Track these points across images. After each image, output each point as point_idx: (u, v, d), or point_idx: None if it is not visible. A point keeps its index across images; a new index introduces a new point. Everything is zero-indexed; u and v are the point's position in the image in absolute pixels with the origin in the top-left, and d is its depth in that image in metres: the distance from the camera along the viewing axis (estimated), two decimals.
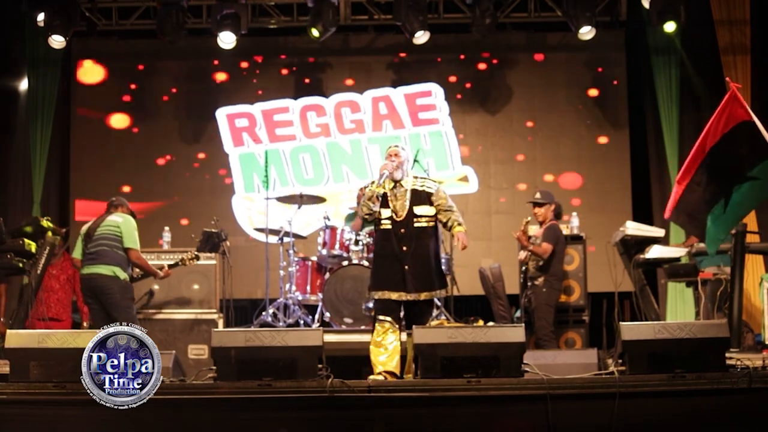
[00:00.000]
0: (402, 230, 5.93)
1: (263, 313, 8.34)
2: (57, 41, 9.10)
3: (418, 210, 5.98)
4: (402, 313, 5.94)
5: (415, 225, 5.95)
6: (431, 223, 6.03)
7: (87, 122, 10.35)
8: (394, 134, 10.18)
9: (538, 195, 7.97)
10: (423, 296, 5.90)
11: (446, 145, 10.26)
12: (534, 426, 4.95)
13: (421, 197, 6.02)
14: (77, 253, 6.83)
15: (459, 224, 6.01)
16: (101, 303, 6.63)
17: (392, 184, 6.04)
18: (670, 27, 8.95)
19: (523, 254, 7.91)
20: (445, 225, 6.09)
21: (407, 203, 5.97)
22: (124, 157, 10.25)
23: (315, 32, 9.17)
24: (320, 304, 8.17)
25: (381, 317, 5.87)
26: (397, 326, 5.86)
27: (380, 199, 5.95)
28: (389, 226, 5.96)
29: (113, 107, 10.37)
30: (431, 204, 6.01)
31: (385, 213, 5.97)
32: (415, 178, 6.13)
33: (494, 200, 10.25)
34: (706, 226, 6.14)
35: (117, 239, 6.72)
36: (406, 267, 5.88)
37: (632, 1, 9.79)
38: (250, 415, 5.00)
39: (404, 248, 5.91)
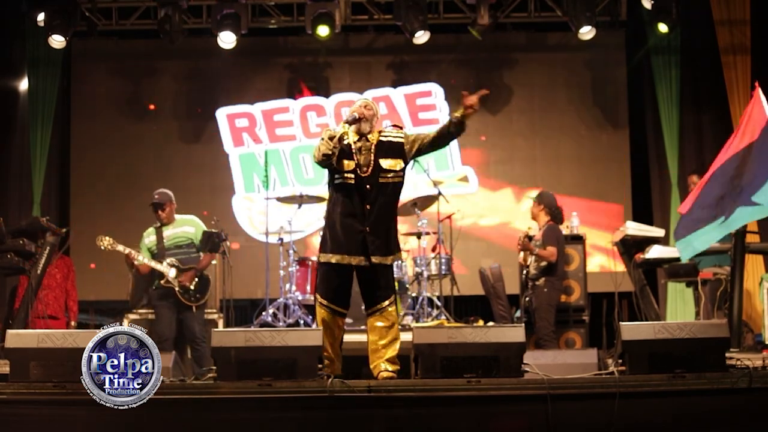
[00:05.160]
0: (367, 186, 5.37)
1: (263, 313, 8.34)
2: (57, 41, 9.11)
3: (385, 163, 5.43)
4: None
5: (381, 181, 5.40)
6: (397, 179, 5.46)
7: (87, 122, 10.34)
8: None
9: (535, 193, 8.04)
10: (389, 260, 5.42)
11: None
12: (534, 426, 4.95)
13: (388, 149, 5.46)
14: None
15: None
16: None
17: (357, 137, 5.46)
18: (662, 28, 8.96)
19: (521, 256, 7.93)
20: (443, 131, 5.48)
21: (373, 156, 5.41)
22: (124, 157, 10.25)
23: (322, 31, 9.16)
24: None
25: (325, 301, 5.39)
26: (342, 316, 5.43)
27: (342, 141, 5.35)
28: (352, 182, 5.38)
29: (113, 107, 10.38)
30: (401, 156, 5.47)
31: (348, 165, 5.39)
32: (380, 132, 5.53)
33: (494, 200, 10.25)
34: (695, 231, 6.10)
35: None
36: (367, 229, 5.34)
37: (632, 1, 9.79)
38: (250, 415, 5.00)
39: (367, 207, 5.36)
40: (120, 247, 7.16)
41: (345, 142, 5.41)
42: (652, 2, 8.85)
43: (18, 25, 9.78)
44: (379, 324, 5.44)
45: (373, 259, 5.36)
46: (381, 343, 5.43)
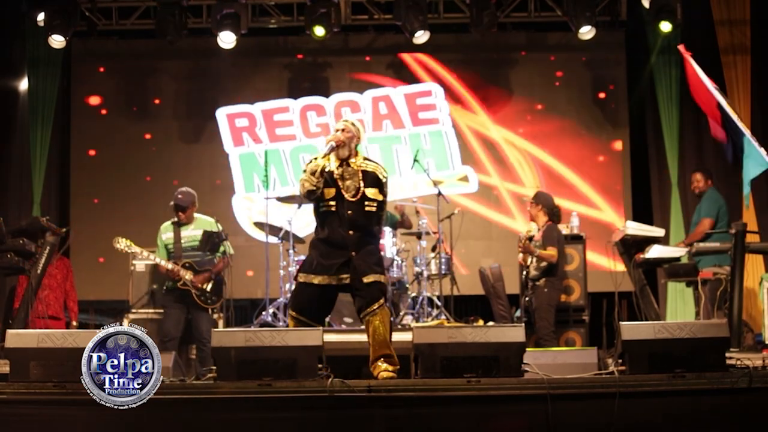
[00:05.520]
0: (350, 212, 5.43)
1: (263, 313, 8.34)
2: (57, 41, 9.11)
3: (370, 192, 5.49)
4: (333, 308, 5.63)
5: (366, 209, 5.47)
6: (375, 209, 5.51)
7: (87, 122, 10.34)
8: (394, 134, 10.21)
9: (533, 193, 8.04)
10: (372, 278, 5.41)
11: (446, 145, 10.27)
12: (534, 426, 4.95)
13: (372, 180, 5.52)
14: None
15: None
16: None
17: (338, 162, 5.52)
18: (665, 27, 8.95)
19: (521, 257, 7.93)
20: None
21: (360, 184, 5.48)
22: (124, 157, 10.25)
23: (318, 31, 9.17)
24: None
25: (294, 313, 5.48)
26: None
27: (324, 175, 5.42)
28: (334, 209, 5.46)
29: (113, 107, 10.38)
30: (381, 190, 5.54)
31: (329, 193, 5.45)
32: (365, 159, 5.60)
33: (494, 200, 10.25)
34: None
35: None
36: (353, 253, 5.42)
37: (632, 1, 9.79)
38: (250, 415, 5.00)
39: (351, 232, 5.42)
40: (137, 249, 7.17)
41: (327, 170, 5.48)
42: (651, 1, 8.84)
43: (18, 25, 9.77)
44: (368, 329, 5.46)
45: (351, 279, 5.43)
46: (372, 345, 5.46)
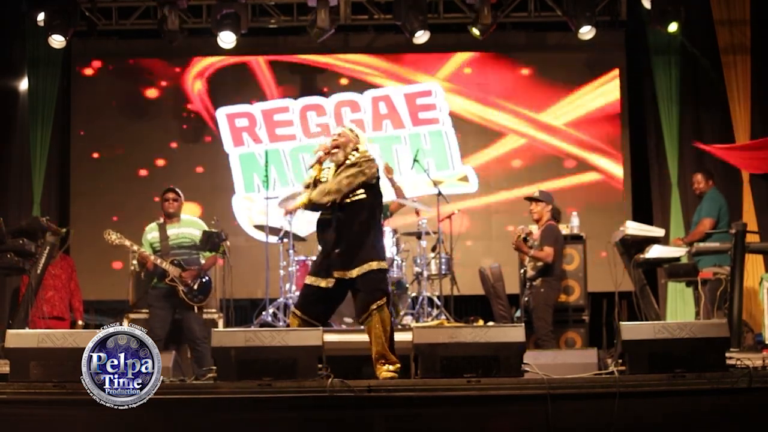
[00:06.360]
0: (339, 213, 5.51)
1: (263, 313, 8.34)
2: (57, 41, 9.10)
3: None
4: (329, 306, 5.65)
5: (347, 201, 5.49)
6: (361, 196, 5.51)
7: (87, 122, 10.34)
8: (394, 134, 10.21)
9: (536, 193, 8.02)
10: (355, 272, 5.45)
11: (446, 145, 10.27)
12: (534, 426, 4.95)
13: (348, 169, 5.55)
14: None
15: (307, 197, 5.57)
16: None
17: (334, 169, 5.60)
18: (672, 27, 8.94)
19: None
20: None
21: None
22: (124, 157, 10.25)
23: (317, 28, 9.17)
24: None
25: (298, 312, 5.56)
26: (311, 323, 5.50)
27: (311, 187, 5.52)
28: (329, 216, 5.55)
29: (113, 107, 10.38)
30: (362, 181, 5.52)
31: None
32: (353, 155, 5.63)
33: (494, 200, 10.25)
34: None
35: None
36: (337, 251, 5.47)
37: (632, 1, 9.79)
38: (250, 415, 5.00)
39: (335, 234, 5.50)
40: (127, 243, 7.15)
41: (324, 179, 5.57)
42: (659, 2, 8.83)
43: (18, 25, 9.77)
44: (367, 327, 5.50)
45: (336, 274, 5.48)
46: (371, 346, 5.49)
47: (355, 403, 4.93)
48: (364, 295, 5.48)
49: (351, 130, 5.70)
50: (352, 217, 5.51)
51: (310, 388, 4.97)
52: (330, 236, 5.53)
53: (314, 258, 8.28)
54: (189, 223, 7.43)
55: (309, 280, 5.61)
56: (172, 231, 7.33)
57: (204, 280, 7.28)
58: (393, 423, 4.98)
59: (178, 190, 7.47)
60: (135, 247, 7.12)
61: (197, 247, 7.34)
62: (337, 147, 5.61)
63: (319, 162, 5.62)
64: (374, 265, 5.49)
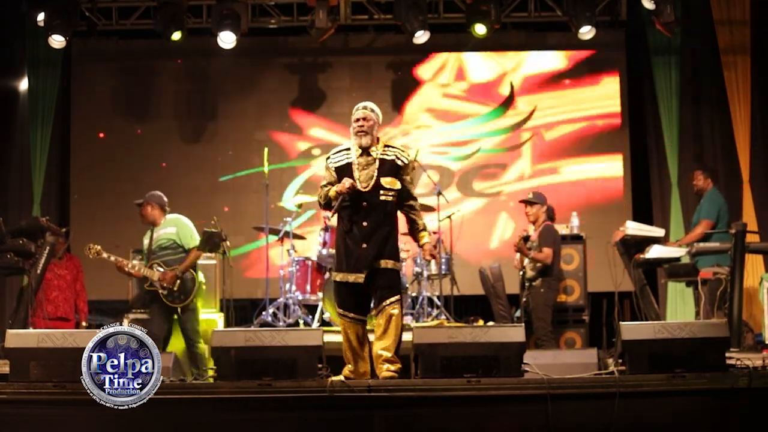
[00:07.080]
0: (364, 203, 5.38)
1: (263, 312, 8.34)
2: (57, 41, 9.09)
3: (385, 181, 5.43)
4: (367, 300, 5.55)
5: (381, 198, 5.40)
6: (392, 198, 5.46)
7: (87, 122, 10.34)
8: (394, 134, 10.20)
9: (530, 195, 8.03)
10: (384, 264, 5.40)
11: None
12: (534, 426, 4.95)
13: (389, 168, 5.44)
14: None
15: (426, 231, 5.61)
16: None
17: (359, 151, 5.47)
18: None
19: (517, 259, 7.94)
20: (411, 227, 5.63)
21: (375, 173, 5.41)
22: (124, 157, 10.25)
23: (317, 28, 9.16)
24: (320, 303, 8.18)
25: (341, 311, 5.49)
26: (360, 322, 5.48)
27: (339, 201, 5.40)
28: (348, 203, 5.41)
29: (113, 107, 10.38)
30: (398, 177, 5.46)
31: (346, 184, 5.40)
32: (386, 146, 5.52)
33: (494, 200, 10.25)
34: None
35: None
36: (364, 245, 5.37)
37: (632, 1, 9.79)
38: (250, 415, 5.00)
39: (364, 224, 5.39)
40: (105, 255, 7.06)
41: (348, 161, 5.46)
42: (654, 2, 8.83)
43: (18, 25, 9.77)
44: (380, 321, 5.43)
45: (364, 270, 5.38)
46: (376, 337, 5.43)
47: (355, 403, 4.94)
48: (382, 291, 5.43)
49: (372, 110, 5.52)
50: (382, 214, 5.44)
51: (310, 388, 4.97)
52: (361, 230, 5.40)
53: (314, 258, 8.36)
54: (168, 223, 7.31)
55: (338, 277, 5.51)
56: (156, 234, 7.28)
57: (185, 279, 7.16)
58: (393, 423, 4.98)
59: (140, 200, 7.38)
60: (112, 258, 7.06)
61: (180, 245, 7.24)
62: (364, 132, 5.44)
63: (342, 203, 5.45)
64: (397, 265, 5.52)
